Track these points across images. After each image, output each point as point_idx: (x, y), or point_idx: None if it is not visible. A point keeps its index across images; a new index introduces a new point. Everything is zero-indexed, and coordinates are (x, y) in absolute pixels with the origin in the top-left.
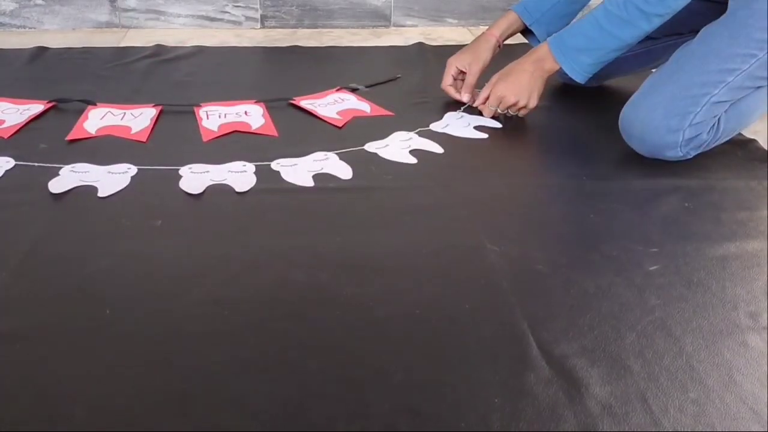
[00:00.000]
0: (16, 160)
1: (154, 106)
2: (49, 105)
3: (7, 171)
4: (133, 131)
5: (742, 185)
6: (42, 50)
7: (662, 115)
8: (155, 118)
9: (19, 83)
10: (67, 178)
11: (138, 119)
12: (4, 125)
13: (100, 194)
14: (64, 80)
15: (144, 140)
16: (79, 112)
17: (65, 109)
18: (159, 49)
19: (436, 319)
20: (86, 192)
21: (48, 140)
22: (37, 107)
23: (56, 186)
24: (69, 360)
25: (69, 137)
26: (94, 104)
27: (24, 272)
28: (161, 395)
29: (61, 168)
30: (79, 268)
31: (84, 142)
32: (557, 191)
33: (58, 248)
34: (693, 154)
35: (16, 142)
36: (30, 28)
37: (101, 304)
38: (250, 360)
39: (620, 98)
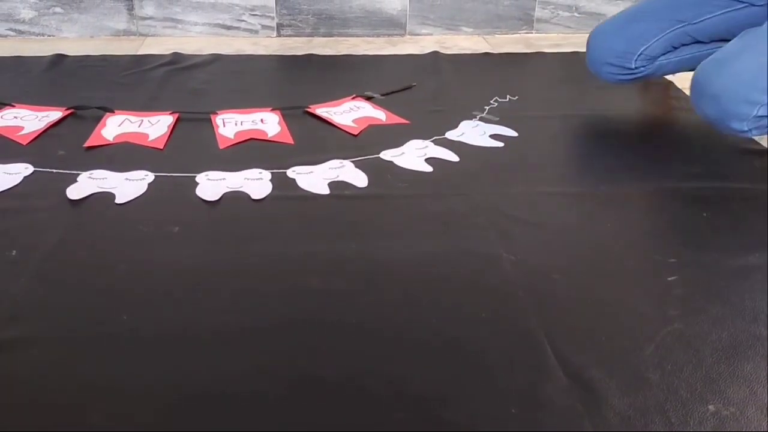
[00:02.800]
0: (34, 167)
1: (171, 113)
2: (68, 112)
3: (25, 177)
4: (151, 138)
5: (760, 192)
6: (60, 58)
7: (745, 83)
8: (172, 126)
9: (37, 90)
10: (85, 184)
11: (155, 126)
12: (23, 132)
13: (118, 201)
14: (82, 88)
15: (161, 147)
16: (97, 120)
17: (83, 116)
18: (176, 57)
19: (453, 328)
20: (104, 198)
21: (66, 147)
22: (55, 114)
23: (74, 192)
24: (86, 365)
25: (87, 144)
26: (112, 111)
27: (42, 277)
28: (178, 401)
29: (79, 174)
30: (96, 273)
31: (101, 149)
32: (573, 200)
33: (76, 254)
34: (755, 134)
35: (35, 148)
36: (48, 35)
37: (119, 310)
38: (267, 367)
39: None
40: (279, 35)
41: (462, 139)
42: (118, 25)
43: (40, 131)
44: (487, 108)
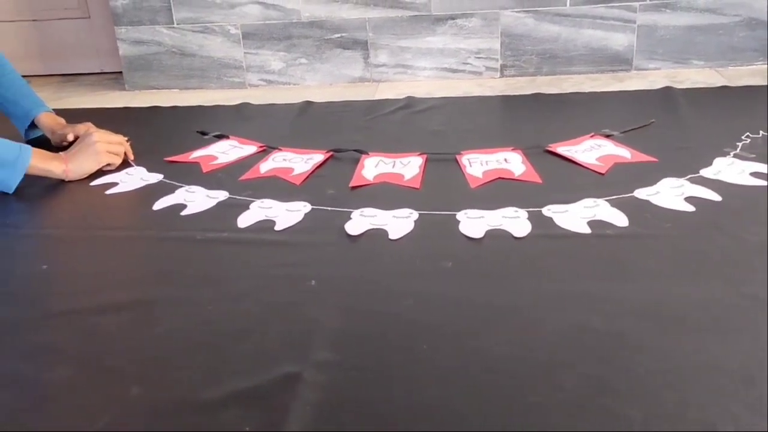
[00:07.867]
0: (311, 205)
1: (419, 154)
2: (328, 154)
3: (306, 214)
4: (406, 178)
5: None
6: (308, 104)
7: None
8: (423, 166)
9: (294, 134)
10: (359, 221)
11: (408, 167)
12: (294, 173)
13: (391, 237)
14: (331, 131)
15: (417, 187)
16: (355, 161)
17: (341, 158)
18: (410, 101)
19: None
20: (378, 234)
21: (334, 186)
22: (318, 156)
23: (352, 228)
24: (400, 391)
25: (352, 184)
26: (367, 153)
27: (342, 306)
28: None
29: (351, 212)
30: (389, 304)
31: (364, 188)
32: None
33: (365, 286)
34: None
35: (308, 188)
36: (294, 84)
37: (416, 340)
38: (567, 402)
39: None
40: (502, 76)
41: (720, 177)
42: (354, 72)
43: (309, 172)
44: (739, 144)
